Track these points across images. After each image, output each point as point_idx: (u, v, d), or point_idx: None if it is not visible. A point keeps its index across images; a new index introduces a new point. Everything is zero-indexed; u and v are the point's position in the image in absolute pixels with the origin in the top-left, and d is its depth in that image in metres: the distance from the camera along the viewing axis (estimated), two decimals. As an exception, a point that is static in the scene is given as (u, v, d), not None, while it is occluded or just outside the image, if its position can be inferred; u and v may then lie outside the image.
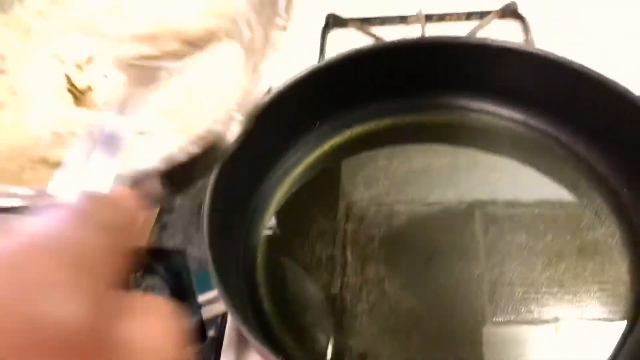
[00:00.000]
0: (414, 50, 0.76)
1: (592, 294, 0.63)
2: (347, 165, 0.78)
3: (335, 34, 1.05)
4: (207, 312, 0.58)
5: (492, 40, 0.75)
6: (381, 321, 0.64)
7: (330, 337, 0.63)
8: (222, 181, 0.65)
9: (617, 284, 0.63)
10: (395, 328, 0.63)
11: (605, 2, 1.02)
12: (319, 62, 0.78)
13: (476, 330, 0.62)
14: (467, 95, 0.81)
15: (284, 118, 0.75)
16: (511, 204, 0.71)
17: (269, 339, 0.62)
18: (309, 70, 0.74)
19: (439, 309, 0.64)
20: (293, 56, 0.75)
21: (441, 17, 1.04)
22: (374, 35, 1.00)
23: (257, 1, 0.44)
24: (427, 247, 0.69)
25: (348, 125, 0.81)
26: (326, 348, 0.62)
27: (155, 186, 0.32)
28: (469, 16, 1.04)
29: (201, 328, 0.56)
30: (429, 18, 1.03)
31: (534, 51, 0.74)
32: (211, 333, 0.63)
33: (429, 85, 0.80)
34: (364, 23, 1.03)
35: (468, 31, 0.97)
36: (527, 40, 0.98)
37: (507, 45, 0.75)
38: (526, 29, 0.99)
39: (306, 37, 1.03)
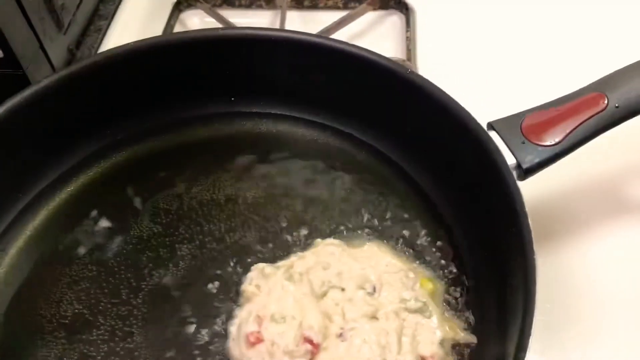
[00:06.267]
0: (207, 47, 0.61)
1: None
2: (137, 189, 0.61)
3: (188, 14, 0.87)
4: None
5: (295, 34, 0.60)
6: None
7: None
8: None
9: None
10: None
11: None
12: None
13: None
14: (279, 102, 0.66)
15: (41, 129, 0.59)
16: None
17: None
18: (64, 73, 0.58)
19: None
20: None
21: (314, 3, 0.87)
22: (226, 22, 0.83)
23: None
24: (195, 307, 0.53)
25: (144, 135, 0.65)
26: None
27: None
28: (346, 4, 0.87)
29: None
30: (298, 3, 0.86)
31: (360, 53, 0.59)
32: None
33: (237, 90, 0.65)
34: (220, 5, 0.86)
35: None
36: (408, 37, 0.81)
37: (325, 42, 0.60)
38: (410, 22, 0.82)
39: (156, 17, 0.86)
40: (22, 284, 0.56)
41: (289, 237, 0.57)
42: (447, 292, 0.53)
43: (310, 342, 0.48)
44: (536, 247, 0.45)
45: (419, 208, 0.59)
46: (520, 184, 0.50)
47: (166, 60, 0.63)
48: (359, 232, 0.58)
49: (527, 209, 0.48)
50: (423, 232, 0.57)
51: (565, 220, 0.61)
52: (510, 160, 0.51)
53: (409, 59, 0.77)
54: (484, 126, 0.53)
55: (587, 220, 0.61)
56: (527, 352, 0.41)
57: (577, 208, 0.62)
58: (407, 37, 0.81)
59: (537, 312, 0.43)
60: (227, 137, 0.66)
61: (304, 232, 0.58)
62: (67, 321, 0.53)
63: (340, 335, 0.49)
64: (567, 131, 0.52)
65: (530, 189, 0.51)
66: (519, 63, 0.76)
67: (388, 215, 0.59)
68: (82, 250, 0.57)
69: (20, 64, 0.67)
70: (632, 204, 0.62)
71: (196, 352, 0.51)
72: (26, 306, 0.54)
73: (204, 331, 0.52)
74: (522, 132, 0.52)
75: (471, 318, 0.52)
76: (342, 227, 0.58)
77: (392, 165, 0.62)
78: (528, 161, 0.51)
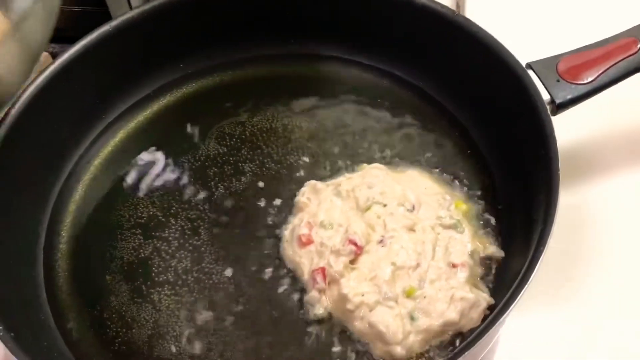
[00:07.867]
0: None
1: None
2: (205, 116, 0.69)
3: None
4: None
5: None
6: (183, 295, 0.56)
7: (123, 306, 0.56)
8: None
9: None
10: (194, 305, 0.55)
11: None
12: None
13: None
14: (333, 45, 0.71)
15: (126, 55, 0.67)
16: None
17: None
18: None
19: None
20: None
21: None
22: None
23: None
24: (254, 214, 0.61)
25: (213, 70, 0.72)
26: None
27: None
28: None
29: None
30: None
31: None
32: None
33: (296, 34, 0.71)
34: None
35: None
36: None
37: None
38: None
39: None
40: (105, 189, 0.64)
41: (338, 162, 0.64)
42: (479, 213, 0.59)
43: (355, 244, 0.54)
44: (561, 185, 0.50)
45: (459, 142, 0.64)
46: (555, 127, 0.54)
47: (235, 2, 0.70)
48: (402, 160, 0.64)
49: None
50: (461, 163, 0.63)
51: (592, 163, 0.66)
52: (545, 96, 0.56)
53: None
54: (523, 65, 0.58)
55: (613, 165, 0.66)
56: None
57: (605, 152, 0.66)
58: (457, -6, 0.86)
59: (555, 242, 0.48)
60: (285, 75, 0.72)
61: (351, 157, 0.64)
62: (143, 221, 0.61)
63: (381, 241, 0.55)
64: (600, 72, 0.56)
65: (562, 133, 0.56)
66: (561, 12, 0.79)
67: (430, 147, 0.64)
68: (156, 164, 0.65)
69: (104, 1, 0.75)
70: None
71: (254, 253, 0.58)
72: (108, 207, 0.62)
73: (261, 233, 0.59)
74: (557, 72, 0.57)
75: (499, 237, 0.57)
76: (386, 156, 0.64)
77: (435, 104, 0.67)
78: (561, 97, 0.56)
